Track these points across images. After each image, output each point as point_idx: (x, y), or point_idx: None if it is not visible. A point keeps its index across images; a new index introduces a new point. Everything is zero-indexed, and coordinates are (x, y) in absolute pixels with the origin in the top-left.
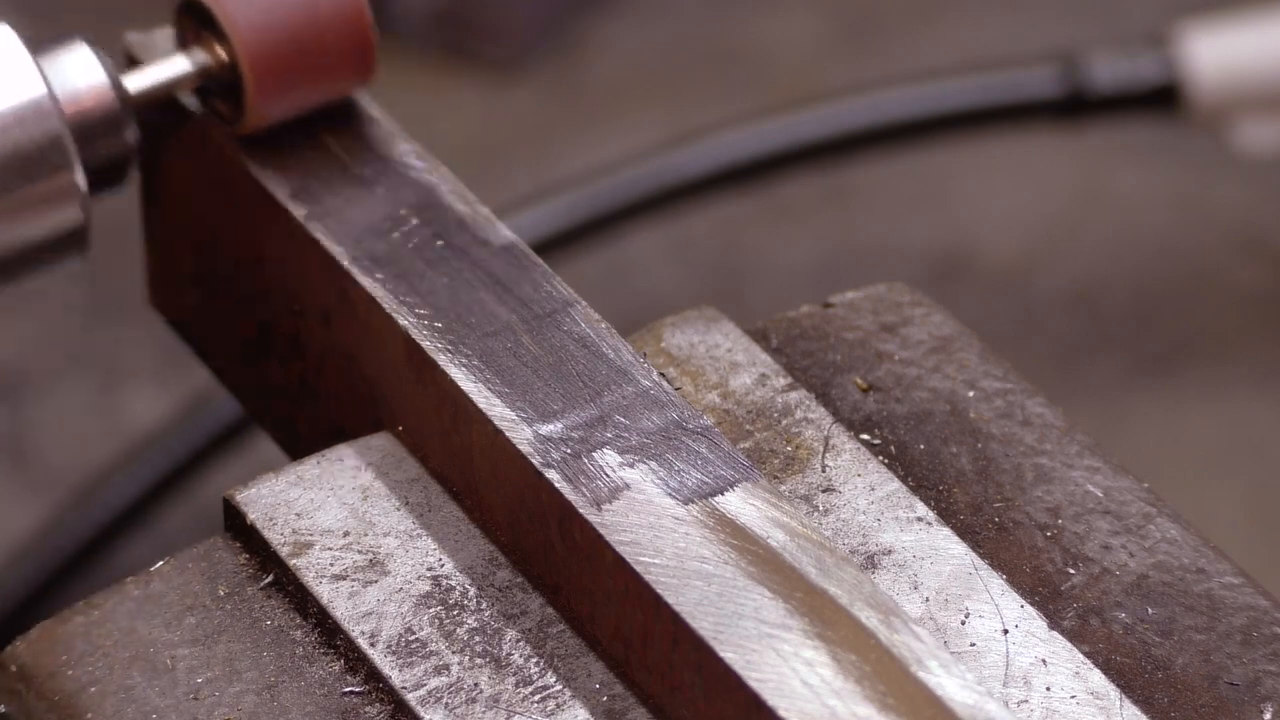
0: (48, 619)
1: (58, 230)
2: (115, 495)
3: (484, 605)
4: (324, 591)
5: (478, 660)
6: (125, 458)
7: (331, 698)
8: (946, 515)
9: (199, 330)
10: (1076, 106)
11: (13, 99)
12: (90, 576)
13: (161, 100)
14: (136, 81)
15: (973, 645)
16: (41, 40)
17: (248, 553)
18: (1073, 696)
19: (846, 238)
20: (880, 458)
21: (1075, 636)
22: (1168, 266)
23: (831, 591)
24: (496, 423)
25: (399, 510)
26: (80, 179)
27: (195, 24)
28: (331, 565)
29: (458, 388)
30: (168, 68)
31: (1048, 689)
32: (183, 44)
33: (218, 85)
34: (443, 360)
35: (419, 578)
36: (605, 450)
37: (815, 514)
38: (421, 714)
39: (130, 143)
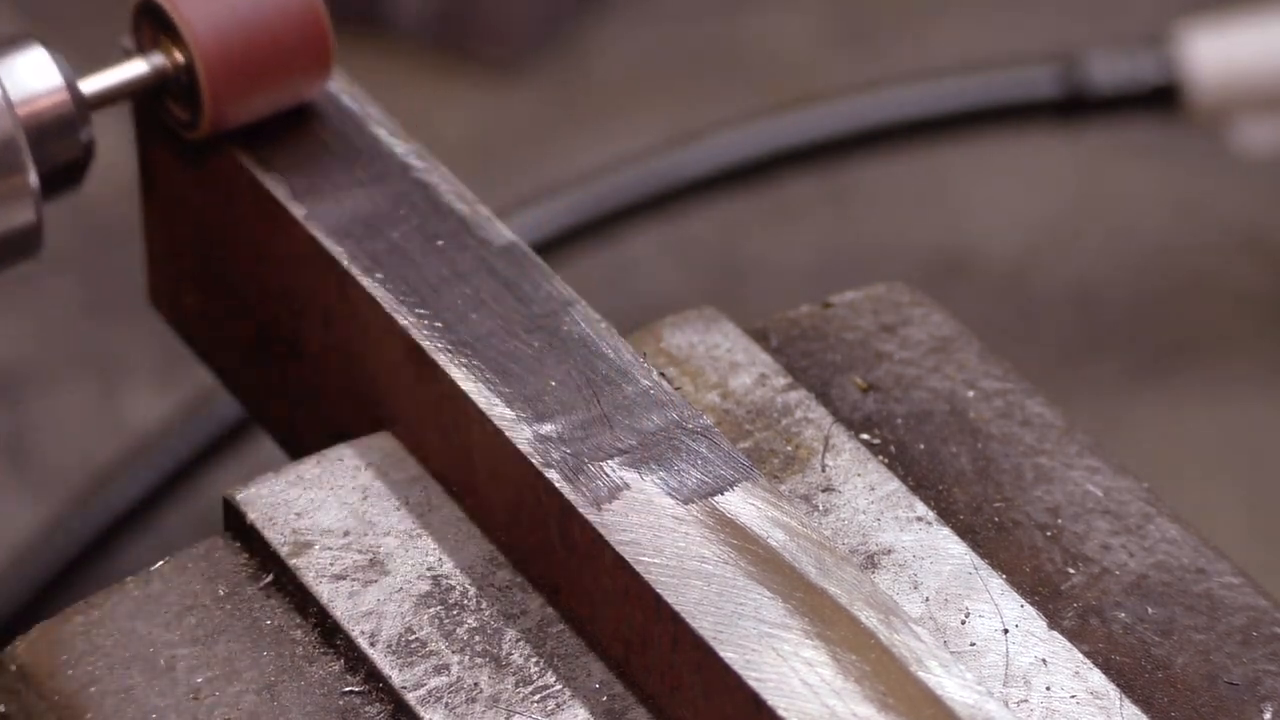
0: (48, 619)
1: (10, 230)
2: (116, 496)
3: (484, 605)
4: (324, 591)
5: (478, 660)
6: (126, 458)
7: (331, 697)
8: (946, 515)
9: (199, 330)
10: (1076, 106)
11: None
12: (91, 577)
13: (117, 101)
14: (92, 84)
15: (973, 645)
16: None
17: (248, 553)
18: (1073, 696)
19: (846, 238)
20: (880, 457)
21: (1075, 636)
22: (1168, 266)
23: (831, 591)
24: (496, 423)
25: (399, 510)
26: (33, 180)
27: (152, 26)
28: (331, 565)
29: (458, 388)
30: (124, 70)
31: (1048, 689)
32: (139, 46)
33: (175, 87)
34: (443, 360)
35: (419, 577)
36: (605, 450)
37: (815, 514)
38: (421, 714)
39: (85, 144)
